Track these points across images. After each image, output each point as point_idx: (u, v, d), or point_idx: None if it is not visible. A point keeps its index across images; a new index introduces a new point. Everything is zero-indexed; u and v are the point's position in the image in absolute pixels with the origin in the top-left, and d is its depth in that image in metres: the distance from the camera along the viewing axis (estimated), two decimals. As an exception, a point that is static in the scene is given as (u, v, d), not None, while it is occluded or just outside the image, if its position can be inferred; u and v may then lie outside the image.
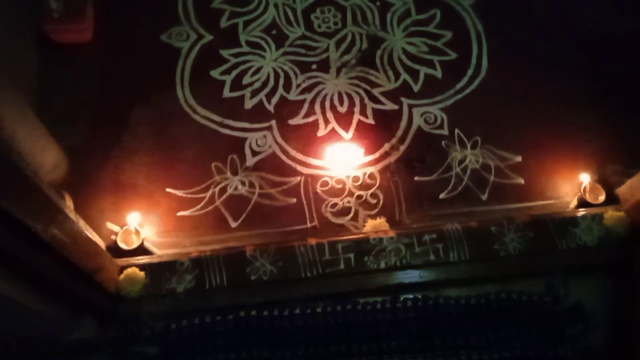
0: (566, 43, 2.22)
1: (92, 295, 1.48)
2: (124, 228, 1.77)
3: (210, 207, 1.90)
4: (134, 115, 2.03)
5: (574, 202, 1.93)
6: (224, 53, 2.19)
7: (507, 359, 1.67)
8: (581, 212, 1.85)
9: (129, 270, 1.61)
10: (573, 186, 1.97)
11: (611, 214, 1.80)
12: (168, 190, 1.92)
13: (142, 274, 1.61)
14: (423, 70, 2.19)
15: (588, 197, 1.91)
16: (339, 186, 1.97)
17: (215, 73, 2.15)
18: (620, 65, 2.17)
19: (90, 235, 1.43)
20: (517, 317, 1.73)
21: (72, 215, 1.36)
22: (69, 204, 1.60)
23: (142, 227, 1.81)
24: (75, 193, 1.81)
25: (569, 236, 1.79)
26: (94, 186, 1.90)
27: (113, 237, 1.78)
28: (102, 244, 1.68)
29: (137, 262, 1.67)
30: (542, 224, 1.80)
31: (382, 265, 1.74)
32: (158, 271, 1.65)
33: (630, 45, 2.20)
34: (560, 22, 2.26)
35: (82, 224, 1.44)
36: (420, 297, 1.75)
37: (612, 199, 1.90)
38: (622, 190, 1.88)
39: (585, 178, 1.94)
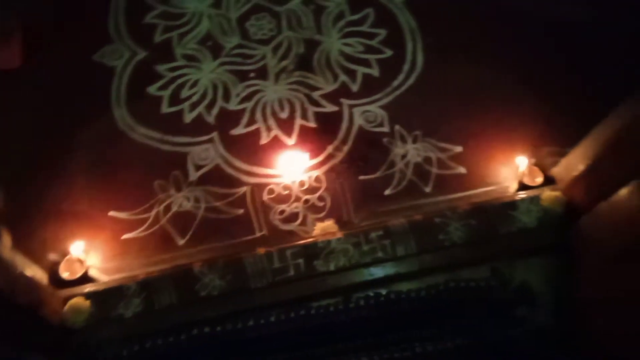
0: (495, 33, 2.27)
1: (37, 331, 1.45)
2: (67, 257, 1.74)
3: (156, 227, 1.88)
4: (70, 140, 1.99)
5: (514, 186, 1.98)
6: (160, 68, 2.17)
7: (461, 347, 1.71)
8: (519, 195, 1.90)
9: (73, 301, 1.58)
10: (512, 170, 2.02)
11: (548, 194, 1.86)
12: (111, 213, 1.89)
13: (87, 303, 1.59)
14: (360, 70, 2.21)
15: (526, 180, 1.96)
16: (286, 192, 1.97)
17: (152, 89, 2.13)
18: (546, 51, 2.24)
19: (28, 273, 1.40)
20: (468, 304, 1.77)
21: (8, 254, 1.33)
22: (5, 242, 1.56)
23: (87, 254, 1.78)
24: (14, 226, 1.76)
25: (510, 220, 1.84)
26: (33, 217, 1.86)
27: (56, 268, 1.74)
28: (43, 277, 1.66)
29: (81, 291, 1.64)
30: (483, 211, 1.85)
31: (332, 267, 1.75)
32: (104, 298, 1.63)
33: (555, 31, 2.27)
34: (488, 13, 2.31)
35: (19, 261, 1.41)
36: (372, 294, 1.77)
37: (549, 180, 1.95)
38: (557, 170, 1.94)
39: (522, 162, 1.99)
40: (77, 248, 1.74)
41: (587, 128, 1.74)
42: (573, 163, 1.82)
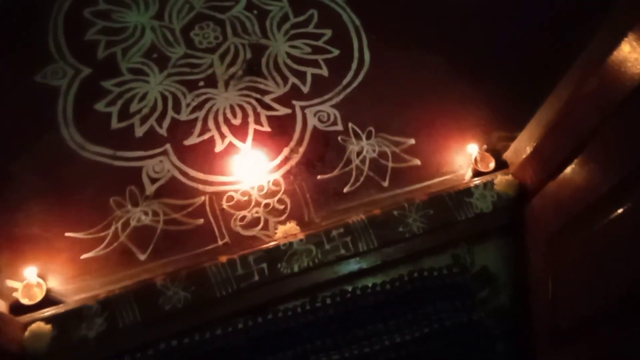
0: (433, 26, 2.34)
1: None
2: (25, 283, 1.69)
3: (115, 244, 1.85)
4: (15, 166, 1.94)
5: (469, 174, 2.04)
6: (106, 84, 2.13)
7: (427, 335, 1.74)
8: (474, 182, 1.95)
9: (34, 326, 1.54)
10: (465, 158, 2.07)
11: (500, 179, 1.91)
12: (67, 234, 1.85)
13: (48, 327, 1.55)
14: (309, 71, 2.23)
15: (480, 167, 2.02)
16: (245, 198, 1.97)
17: (99, 106, 2.09)
18: (485, 37, 2.31)
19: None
20: (431, 292, 1.81)
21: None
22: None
23: (45, 278, 1.73)
24: (-35, 257, 1.71)
25: (466, 207, 1.89)
26: (-15, 246, 1.80)
27: (15, 294, 1.69)
28: (2, 304, 1.61)
29: (41, 315, 1.60)
30: (439, 200, 1.89)
31: (296, 269, 1.76)
32: (65, 321, 1.59)
33: (490, 17, 2.35)
34: (425, 5, 2.38)
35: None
36: (338, 292, 1.79)
37: (502, 164, 2.02)
38: (508, 155, 2.00)
39: (473, 149, 2.05)
40: (31, 273, 1.69)
41: (534, 110, 1.80)
42: (521, 146, 1.88)
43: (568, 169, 1.56)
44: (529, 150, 1.80)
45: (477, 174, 2.02)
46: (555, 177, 1.66)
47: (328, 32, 2.31)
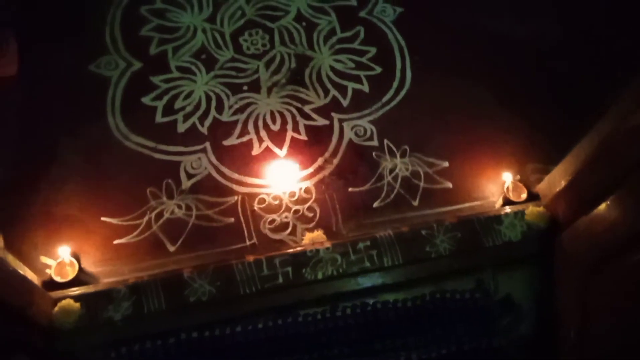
0: (478, 52, 2.36)
1: (23, 331, 1.46)
2: (59, 261, 1.75)
3: (148, 233, 1.90)
4: (61, 146, 2.02)
5: (500, 202, 2.04)
6: (155, 79, 2.21)
7: (444, 356, 1.74)
8: (505, 210, 1.95)
9: (63, 302, 1.59)
10: (498, 186, 2.07)
11: (532, 210, 1.91)
12: (103, 219, 1.91)
13: (77, 305, 1.60)
14: (351, 85, 2.27)
15: (511, 196, 2.02)
16: (276, 202, 2.01)
17: (146, 99, 2.17)
18: (527, 69, 2.33)
19: (19, 271, 1.42)
20: (452, 314, 1.81)
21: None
22: (-2, 242, 1.58)
23: (78, 258, 1.79)
24: (6, 228, 1.77)
25: (495, 233, 1.89)
26: (25, 221, 1.87)
27: (48, 271, 1.75)
28: (35, 279, 1.67)
29: (72, 293, 1.65)
30: (469, 224, 1.89)
31: (320, 275, 1.78)
32: (94, 301, 1.64)
33: (532, 49, 2.37)
34: (471, 33, 2.40)
35: (10, 259, 1.43)
36: (359, 304, 1.80)
37: (533, 196, 2.01)
38: (541, 187, 1.99)
39: (507, 177, 2.05)
40: (65, 252, 1.75)
41: (571, 146, 1.80)
42: (555, 179, 1.87)
43: (603, 205, 1.56)
44: (563, 183, 1.80)
45: (508, 202, 2.01)
46: (589, 212, 1.65)
47: (373, 50, 2.36)
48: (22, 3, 2.30)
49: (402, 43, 2.38)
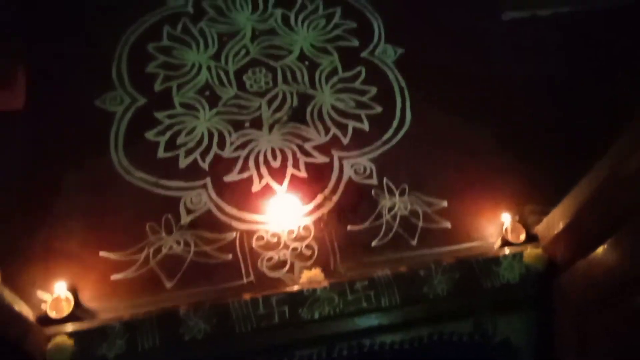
0: (477, 93, 2.39)
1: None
2: (54, 296, 1.75)
3: (145, 269, 1.90)
4: (65, 180, 2.04)
5: (498, 243, 2.03)
6: (159, 115, 2.25)
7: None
8: (503, 251, 1.95)
9: (57, 339, 1.58)
10: (496, 227, 2.07)
11: (530, 252, 1.91)
12: (102, 254, 1.91)
13: (70, 341, 1.59)
14: (351, 124, 2.30)
15: (510, 237, 2.01)
16: (274, 240, 2.01)
17: (150, 135, 2.20)
18: (525, 110, 2.36)
19: (14, 306, 1.42)
20: (450, 357, 1.79)
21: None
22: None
23: (75, 294, 1.79)
24: (4, 263, 1.78)
25: (493, 275, 1.88)
26: (24, 255, 1.87)
27: (43, 306, 1.75)
28: (31, 314, 1.66)
29: (65, 329, 1.64)
30: (467, 265, 1.89)
31: (317, 315, 1.77)
32: (88, 338, 1.63)
33: (529, 91, 2.41)
34: (470, 74, 2.45)
35: (7, 294, 1.43)
36: (355, 344, 1.78)
37: (532, 237, 2.01)
38: (539, 228, 1.99)
39: (506, 218, 2.05)
40: (61, 287, 1.75)
41: (569, 188, 1.81)
42: (554, 221, 1.88)
43: (600, 248, 1.56)
44: (561, 225, 1.80)
45: (506, 243, 2.01)
46: (587, 255, 1.65)
47: (373, 90, 2.40)
48: (36, 36, 2.36)
49: (403, 83, 2.42)
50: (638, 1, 2.59)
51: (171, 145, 2.18)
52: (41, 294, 1.77)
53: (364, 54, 2.50)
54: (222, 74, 2.39)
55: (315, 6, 2.62)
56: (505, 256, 1.92)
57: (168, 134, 2.20)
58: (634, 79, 2.33)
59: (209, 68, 2.40)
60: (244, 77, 2.39)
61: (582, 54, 2.54)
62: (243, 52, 2.46)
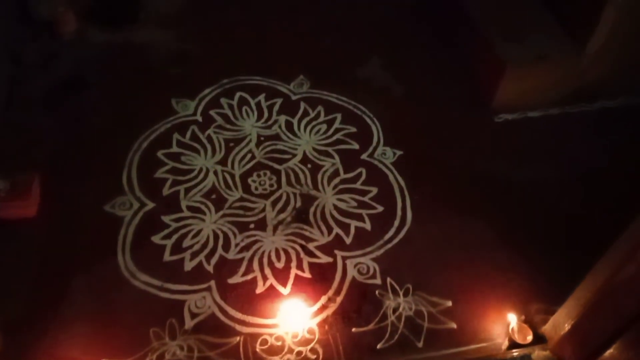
0: (476, 192, 2.47)
1: None
2: (54, 407, 1.72)
3: (147, 377, 1.87)
4: (73, 285, 2.07)
5: (506, 344, 2.00)
6: (166, 219, 2.31)
7: None
8: (511, 353, 1.92)
9: None
10: (503, 327, 2.05)
11: (538, 354, 1.89)
12: (103, 362, 1.90)
13: None
14: (353, 223, 2.35)
15: (517, 338, 1.99)
16: (279, 344, 1.99)
17: (156, 238, 2.25)
18: (527, 209, 2.42)
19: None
20: None
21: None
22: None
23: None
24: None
25: (502, 379, 1.84)
26: (28, 362, 1.86)
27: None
28: None
29: None
30: (474, 368, 1.85)
31: None
32: None
33: (531, 191, 2.49)
34: (469, 174, 2.55)
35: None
36: None
37: (539, 337, 1.98)
38: (546, 329, 1.98)
39: (512, 319, 2.03)
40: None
41: (573, 286, 1.81)
42: (560, 322, 1.87)
43: (607, 353, 1.54)
44: (567, 327, 1.79)
45: (514, 345, 1.98)
46: (595, 358, 1.62)
47: (374, 190, 2.47)
48: (51, 148, 2.50)
49: (402, 183, 2.50)
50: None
51: (177, 248, 2.22)
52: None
53: (364, 156, 2.61)
54: (228, 177, 2.49)
55: (317, 112, 2.77)
56: (513, 358, 1.89)
57: (174, 237, 2.25)
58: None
59: (215, 172, 2.50)
60: (249, 180, 2.49)
61: (575, 155, 2.65)
62: (249, 156, 2.58)
